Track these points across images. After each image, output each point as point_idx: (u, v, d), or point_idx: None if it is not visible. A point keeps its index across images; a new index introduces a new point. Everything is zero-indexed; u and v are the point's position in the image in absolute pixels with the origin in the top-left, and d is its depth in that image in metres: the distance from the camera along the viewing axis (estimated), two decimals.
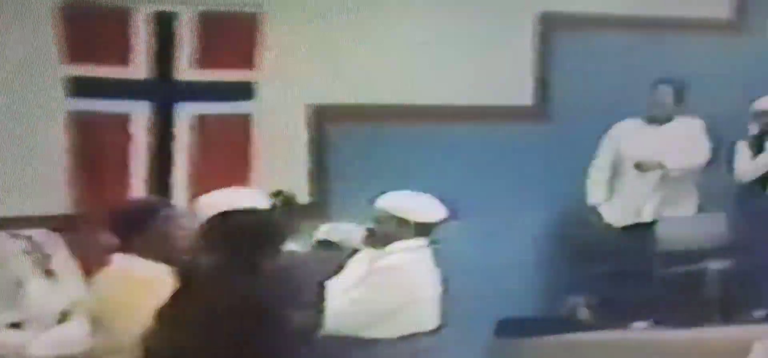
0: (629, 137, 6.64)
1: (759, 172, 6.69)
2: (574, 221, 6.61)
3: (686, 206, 6.64)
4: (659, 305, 6.20)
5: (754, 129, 6.76)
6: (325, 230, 4.98)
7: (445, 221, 4.47)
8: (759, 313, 6.24)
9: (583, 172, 6.61)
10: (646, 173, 6.52)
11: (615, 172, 6.65)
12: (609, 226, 6.57)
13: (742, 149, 6.72)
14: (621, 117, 6.63)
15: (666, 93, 6.61)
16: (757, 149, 6.71)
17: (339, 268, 4.38)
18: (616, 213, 6.63)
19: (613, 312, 6.24)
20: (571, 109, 6.66)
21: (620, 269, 6.28)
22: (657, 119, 6.65)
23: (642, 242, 6.44)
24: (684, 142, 6.59)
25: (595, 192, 6.63)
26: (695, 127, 6.64)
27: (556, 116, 6.73)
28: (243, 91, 6.12)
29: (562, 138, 6.58)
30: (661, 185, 6.58)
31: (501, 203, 6.26)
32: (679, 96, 6.61)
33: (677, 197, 6.61)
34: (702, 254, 6.37)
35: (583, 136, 6.56)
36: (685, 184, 6.64)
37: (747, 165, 6.70)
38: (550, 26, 6.72)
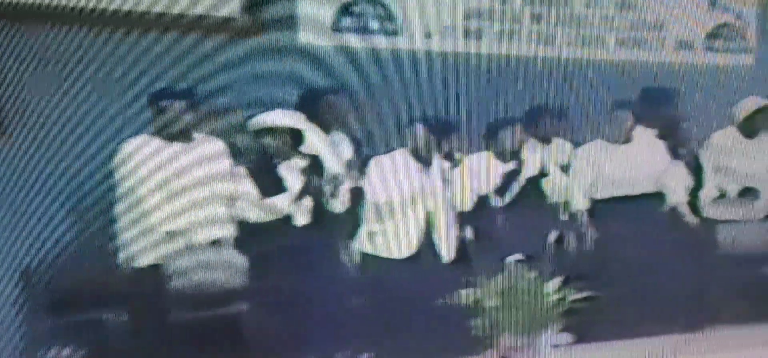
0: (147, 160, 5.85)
1: (275, 215, 6.04)
2: (56, 258, 5.75)
3: None
4: (178, 355, 5.56)
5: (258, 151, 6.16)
6: None
7: None
8: None
9: (57, 198, 5.74)
10: None
11: None
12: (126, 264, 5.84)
13: (242, 176, 6.05)
14: (101, 133, 5.78)
15: (177, 107, 5.91)
16: (264, 177, 6.07)
17: None
18: None
19: None
20: (33, 121, 5.82)
21: (125, 315, 5.69)
22: (173, 137, 5.94)
23: (155, 283, 5.75)
24: (208, 163, 5.97)
25: None
26: (219, 147, 6.02)
27: (13, 130, 5.87)
28: None
29: (25, 156, 5.72)
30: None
31: None
32: (192, 108, 5.93)
33: None
34: (225, 297, 5.84)
35: (51, 154, 5.73)
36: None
37: (250, 202, 6.05)
38: None
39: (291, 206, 6.03)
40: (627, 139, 6.83)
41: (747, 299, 6.57)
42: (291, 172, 6.08)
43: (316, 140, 6.24)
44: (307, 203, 6.09)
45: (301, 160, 6.09)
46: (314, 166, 6.12)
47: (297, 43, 6.64)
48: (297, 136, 6.15)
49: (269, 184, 6.07)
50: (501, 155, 6.68)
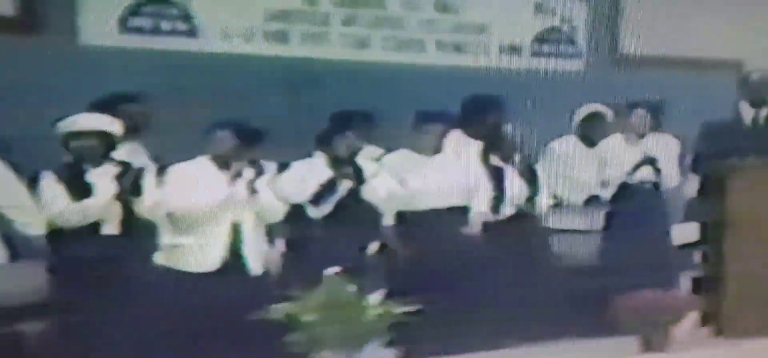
0: None
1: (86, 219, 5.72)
2: None
3: None
4: None
5: (67, 156, 5.78)
6: None
7: None
8: None
9: None
10: None
11: None
12: None
13: (50, 184, 5.70)
14: None
15: None
16: (73, 183, 5.72)
17: None
18: None
19: None
20: None
21: None
22: None
23: None
24: None
25: None
26: None
27: None
28: None
29: None
30: None
31: None
32: None
33: None
34: (16, 313, 5.49)
35: None
36: None
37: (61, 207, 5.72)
38: None
39: (102, 210, 5.73)
40: (437, 150, 6.66)
41: (581, 312, 6.47)
42: (102, 178, 5.80)
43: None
44: (115, 211, 5.79)
45: (114, 166, 5.82)
46: (126, 173, 5.83)
47: (79, 45, 6.34)
48: (108, 141, 5.86)
49: (78, 189, 5.75)
50: (329, 162, 6.49)
